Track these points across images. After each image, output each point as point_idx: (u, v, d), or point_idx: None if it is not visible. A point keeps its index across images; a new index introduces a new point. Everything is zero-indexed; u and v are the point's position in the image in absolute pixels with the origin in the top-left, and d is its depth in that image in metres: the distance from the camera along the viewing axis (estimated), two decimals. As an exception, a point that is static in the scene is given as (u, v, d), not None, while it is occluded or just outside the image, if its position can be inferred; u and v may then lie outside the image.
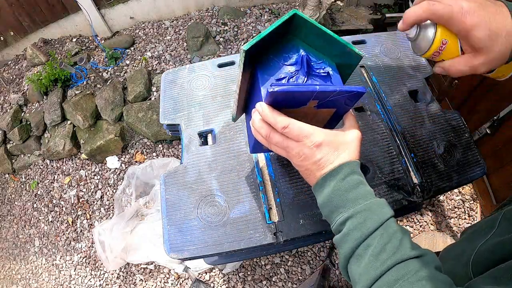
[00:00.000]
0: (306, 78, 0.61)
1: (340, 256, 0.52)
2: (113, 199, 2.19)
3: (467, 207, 2.00)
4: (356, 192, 0.51)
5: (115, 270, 2.05)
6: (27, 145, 2.60)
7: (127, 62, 2.72)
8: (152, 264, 2.01)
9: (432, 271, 0.43)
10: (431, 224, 1.94)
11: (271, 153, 0.92)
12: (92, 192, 2.36)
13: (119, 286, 2.02)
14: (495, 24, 0.44)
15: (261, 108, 0.53)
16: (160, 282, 1.97)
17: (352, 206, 0.50)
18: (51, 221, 2.38)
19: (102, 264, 2.09)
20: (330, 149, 0.52)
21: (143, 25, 3.01)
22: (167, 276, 1.98)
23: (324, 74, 0.63)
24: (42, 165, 2.61)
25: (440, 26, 0.50)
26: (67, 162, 2.52)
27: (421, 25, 0.51)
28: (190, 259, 0.84)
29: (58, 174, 2.51)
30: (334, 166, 0.52)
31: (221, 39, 2.76)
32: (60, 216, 2.37)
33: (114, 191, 2.31)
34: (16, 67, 3.05)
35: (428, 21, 0.50)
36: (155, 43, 2.82)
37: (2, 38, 2.96)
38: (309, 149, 0.52)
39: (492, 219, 0.64)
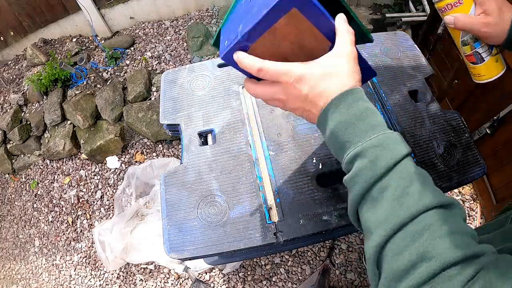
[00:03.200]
0: None
1: (349, 200, 0.44)
2: (113, 199, 2.19)
3: (467, 207, 2.00)
4: (364, 124, 0.43)
5: (115, 270, 2.05)
6: (27, 145, 2.60)
7: (127, 62, 2.72)
8: (152, 264, 2.01)
9: (461, 224, 0.38)
10: (431, 224, 1.94)
11: (271, 153, 0.92)
12: (92, 192, 2.36)
13: (119, 286, 2.02)
14: (508, 4, 0.56)
15: (237, 57, 0.49)
16: (160, 282, 1.97)
17: (360, 140, 0.42)
18: (51, 221, 2.38)
19: (102, 264, 2.09)
20: (316, 80, 0.45)
21: (143, 25, 3.01)
22: (167, 276, 1.98)
23: None
24: (42, 165, 2.60)
25: None
26: (67, 162, 2.52)
27: None
28: (190, 259, 0.84)
29: (58, 174, 2.51)
30: (331, 97, 0.45)
31: (221, 39, 2.76)
32: (60, 216, 2.37)
33: (114, 191, 2.31)
34: (16, 67, 3.05)
35: None
36: (155, 43, 2.82)
37: (2, 38, 2.96)
38: (293, 87, 0.46)
39: (498, 223, 0.62)
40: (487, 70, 0.66)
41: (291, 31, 0.46)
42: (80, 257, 2.18)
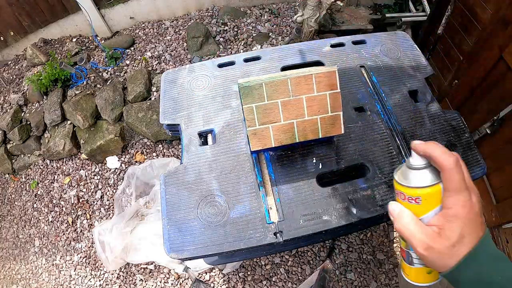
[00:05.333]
0: None
1: None
2: (113, 199, 2.19)
3: (467, 207, 2.00)
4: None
5: (115, 270, 2.05)
6: (27, 145, 2.60)
7: (127, 62, 2.72)
8: (152, 264, 2.01)
9: None
10: (431, 224, 1.94)
11: (271, 153, 0.92)
12: (92, 192, 2.36)
13: (119, 286, 2.02)
14: (469, 238, 0.44)
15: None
16: (160, 282, 1.97)
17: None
18: (51, 221, 2.38)
19: (102, 264, 2.09)
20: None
21: (143, 25, 3.01)
22: (167, 276, 1.98)
23: None
24: (42, 165, 2.60)
25: (440, 189, 0.46)
26: (67, 162, 2.52)
27: (433, 167, 0.47)
28: (190, 259, 0.84)
29: (58, 174, 2.51)
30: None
31: (221, 39, 2.76)
32: (60, 216, 2.37)
33: (114, 191, 2.31)
34: (16, 67, 3.05)
35: (437, 174, 0.47)
36: (155, 43, 2.82)
37: (2, 38, 2.96)
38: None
39: None
40: (414, 275, 0.54)
41: None
42: (80, 257, 2.18)
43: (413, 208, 0.47)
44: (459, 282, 0.44)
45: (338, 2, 2.99)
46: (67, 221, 2.33)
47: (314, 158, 0.91)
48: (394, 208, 0.49)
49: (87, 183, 2.40)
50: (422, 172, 0.46)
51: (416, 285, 0.53)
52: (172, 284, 1.95)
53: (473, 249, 0.44)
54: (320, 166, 0.90)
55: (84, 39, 3.02)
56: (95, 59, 2.79)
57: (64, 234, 2.30)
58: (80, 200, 2.36)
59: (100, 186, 2.36)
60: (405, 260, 0.53)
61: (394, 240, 1.94)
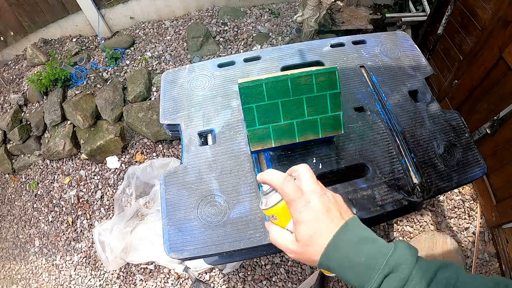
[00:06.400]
0: None
1: None
2: (113, 199, 2.19)
3: (467, 207, 2.00)
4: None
5: (115, 270, 2.05)
6: (27, 145, 2.60)
7: (127, 62, 2.72)
8: (152, 264, 2.01)
9: None
10: (431, 224, 1.94)
11: (271, 153, 0.92)
12: (92, 192, 2.36)
13: (119, 286, 2.02)
14: (319, 235, 0.49)
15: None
16: (160, 282, 1.97)
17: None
18: (51, 221, 2.38)
19: (102, 264, 2.09)
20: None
21: (143, 25, 3.01)
22: (167, 276, 1.98)
23: None
24: (42, 165, 2.60)
25: (285, 203, 0.54)
26: (67, 162, 2.52)
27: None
28: (190, 259, 0.84)
29: (58, 174, 2.51)
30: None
31: (221, 39, 2.76)
32: (60, 216, 2.37)
33: (114, 191, 2.31)
34: (16, 67, 3.05)
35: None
36: (155, 43, 2.82)
37: (2, 38, 2.96)
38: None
39: None
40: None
41: None
42: (80, 257, 2.18)
43: (277, 223, 0.56)
44: (330, 269, 0.49)
45: (338, 2, 2.99)
46: (67, 221, 2.33)
47: (314, 158, 0.91)
48: (266, 225, 0.59)
49: (87, 183, 2.40)
50: (270, 196, 0.56)
51: (327, 276, 0.60)
52: (172, 284, 1.95)
53: (331, 240, 0.49)
54: (320, 166, 0.90)
55: (84, 39, 3.02)
56: (95, 59, 2.80)
57: (64, 234, 2.30)
58: (80, 200, 2.36)
59: (100, 186, 2.36)
60: None
61: (394, 240, 1.94)
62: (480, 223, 1.94)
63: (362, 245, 0.48)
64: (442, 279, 0.44)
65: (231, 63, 1.15)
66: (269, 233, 0.57)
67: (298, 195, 0.52)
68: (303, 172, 0.55)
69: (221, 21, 2.88)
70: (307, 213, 0.51)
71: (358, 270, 0.46)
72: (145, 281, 1.99)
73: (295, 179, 0.55)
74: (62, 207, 2.39)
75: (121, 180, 2.31)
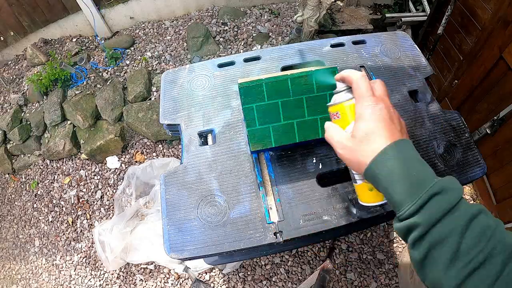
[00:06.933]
0: None
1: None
2: (113, 199, 2.19)
3: (467, 207, 2.00)
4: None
5: (115, 270, 2.05)
6: (27, 145, 2.60)
7: (127, 62, 2.72)
8: (152, 264, 2.01)
9: None
10: (431, 224, 1.94)
11: (271, 153, 0.92)
12: (92, 192, 2.36)
13: (119, 286, 2.02)
14: (376, 136, 0.49)
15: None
16: (160, 282, 1.97)
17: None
18: (51, 221, 2.38)
19: (102, 264, 2.09)
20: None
21: (143, 25, 3.01)
22: (167, 276, 1.98)
23: None
24: (42, 165, 2.60)
25: (354, 103, 0.56)
26: (67, 162, 2.52)
27: (349, 89, 0.58)
28: (190, 259, 0.84)
29: (58, 174, 2.51)
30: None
31: (221, 39, 2.76)
32: (60, 216, 2.37)
33: (114, 191, 2.31)
34: (16, 67, 3.05)
35: (352, 93, 0.57)
36: (155, 43, 2.82)
37: (2, 38, 2.96)
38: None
39: None
40: (361, 193, 0.61)
41: None
42: (80, 257, 2.18)
43: (338, 122, 0.58)
44: (376, 177, 0.48)
45: (338, 2, 2.99)
46: (67, 221, 2.33)
47: (314, 158, 0.91)
48: (326, 124, 0.60)
49: (87, 183, 2.40)
50: (340, 94, 0.58)
51: (365, 205, 0.61)
52: (172, 284, 1.95)
53: (385, 148, 0.47)
54: (320, 166, 0.90)
55: (84, 39, 3.02)
56: (95, 59, 2.80)
57: (64, 234, 2.30)
58: (80, 200, 2.36)
59: (100, 186, 2.36)
60: (353, 181, 0.63)
61: (394, 240, 1.94)
62: (480, 223, 1.94)
63: (416, 162, 0.47)
64: (483, 220, 0.42)
65: (231, 63, 1.14)
66: (326, 131, 0.58)
67: (370, 93, 0.53)
68: (379, 83, 0.56)
69: (221, 21, 2.88)
70: (372, 112, 0.51)
71: (406, 184, 0.44)
72: (145, 281, 1.99)
73: None
74: (62, 207, 2.39)
75: (121, 180, 2.31)
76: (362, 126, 0.51)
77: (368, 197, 0.59)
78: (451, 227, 0.41)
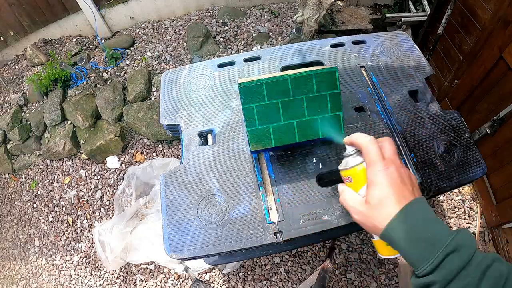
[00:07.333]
0: None
1: None
2: (113, 199, 2.19)
3: (467, 207, 2.00)
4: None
5: (115, 270, 2.05)
6: (27, 145, 2.60)
7: (127, 62, 2.72)
8: (152, 264, 2.01)
9: None
10: (431, 224, 1.94)
11: (271, 153, 0.92)
12: (92, 192, 2.36)
13: (119, 286, 2.02)
14: (389, 201, 0.51)
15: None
16: (160, 282, 1.97)
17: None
18: (51, 221, 2.38)
19: (102, 264, 2.09)
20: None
21: (143, 25, 3.01)
22: (167, 276, 1.98)
23: None
24: (42, 165, 2.60)
25: (364, 166, 0.57)
26: (67, 162, 2.52)
27: (359, 152, 0.60)
28: (190, 259, 0.84)
29: (58, 174, 2.51)
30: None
31: (221, 39, 2.76)
32: (60, 216, 2.37)
33: (114, 191, 2.31)
34: (16, 67, 3.05)
35: (362, 157, 0.59)
36: (155, 43, 2.82)
37: (2, 38, 2.96)
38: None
39: None
40: (379, 247, 0.63)
41: None
42: (80, 257, 2.18)
43: (351, 185, 0.60)
44: (393, 240, 0.50)
45: (338, 2, 2.99)
46: (67, 221, 2.33)
47: (314, 158, 0.91)
48: (339, 187, 0.63)
49: (87, 183, 2.40)
50: (351, 158, 0.60)
51: (383, 257, 0.63)
52: (172, 284, 1.95)
53: (399, 213, 0.50)
54: (320, 166, 0.90)
55: (84, 39, 3.02)
56: (95, 59, 2.80)
57: (64, 234, 2.30)
58: (80, 200, 2.36)
59: (100, 186, 2.36)
60: (370, 236, 0.66)
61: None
62: (480, 223, 1.94)
63: (429, 222, 0.49)
64: (497, 269, 0.44)
65: (231, 63, 1.14)
66: (340, 194, 0.61)
67: (380, 158, 0.54)
68: (388, 143, 0.58)
69: (221, 21, 2.88)
70: (383, 177, 0.52)
71: (422, 245, 0.47)
72: (145, 281, 1.99)
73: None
74: (62, 207, 2.39)
75: (121, 180, 2.31)
76: (375, 192, 0.53)
77: (386, 251, 0.62)
78: (466, 281, 0.44)
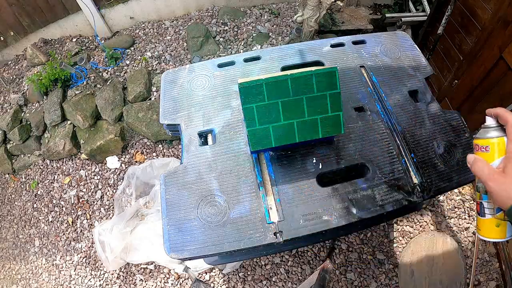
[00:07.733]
0: None
1: None
2: (113, 199, 2.19)
3: (467, 207, 2.00)
4: None
5: (115, 270, 2.05)
6: (27, 145, 2.60)
7: (127, 62, 2.72)
8: (152, 264, 2.01)
9: None
10: (431, 224, 1.94)
11: (271, 153, 0.92)
12: (92, 192, 2.36)
13: (119, 286, 2.02)
14: None
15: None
16: (160, 282, 1.97)
17: None
18: (51, 221, 2.38)
19: (102, 264, 2.09)
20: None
21: (143, 25, 3.01)
22: (167, 276, 1.98)
23: None
24: (42, 165, 2.60)
25: (504, 141, 0.60)
26: (67, 162, 2.52)
27: (500, 127, 0.62)
28: (190, 259, 0.84)
29: (58, 174, 2.51)
30: None
31: (221, 39, 2.76)
32: (60, 216, 2.37)
33: (114, 191, 2.31)
34: (16, 67, 3.05)
35: (503, 132, 0.61)
36: (155, 43, 2.82)
37: (2, 38, 2.96)
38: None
39: None
40: (485, 228, 0.65)
41: None
42: (80, 257, 2.18)
43: (483, 155, 0.62)
44: None
45: (338, 2, 2.99)
46: (67, 221, 2.33)
47: (314, 158, 0.91)
48: (471, 157, 0.64)
49: (87, 183, 2.40)
50: (491, 129, 0.62)
51: (484, 239, 0.64)
52: (172, 284, 1.95)
53: None
54: (320, 166, 0.90)
55: (84, 39, 3.02)
56: (95, 59, 2.80)
57: (64, 234, 2.30)
58: (80, 200, 2.36)
59: (100, 186, 2.36)
60: (479, 214, 0.65)
61: (394, 240, 1.94)
62: (480, 223, 1.94)
63: None
64: None
65: (231, 63, 1.15)
66: (472, 163, 0.62)
67: None
68: None
69: (221, 21, 2.88)
70: None
71: None
72: (145, 281, 1.99)
73: None
74: (62, 207, 2.39)
75: (121, 180, 2.31)
76: None
77: (492, 232, 0.63)
78: None
